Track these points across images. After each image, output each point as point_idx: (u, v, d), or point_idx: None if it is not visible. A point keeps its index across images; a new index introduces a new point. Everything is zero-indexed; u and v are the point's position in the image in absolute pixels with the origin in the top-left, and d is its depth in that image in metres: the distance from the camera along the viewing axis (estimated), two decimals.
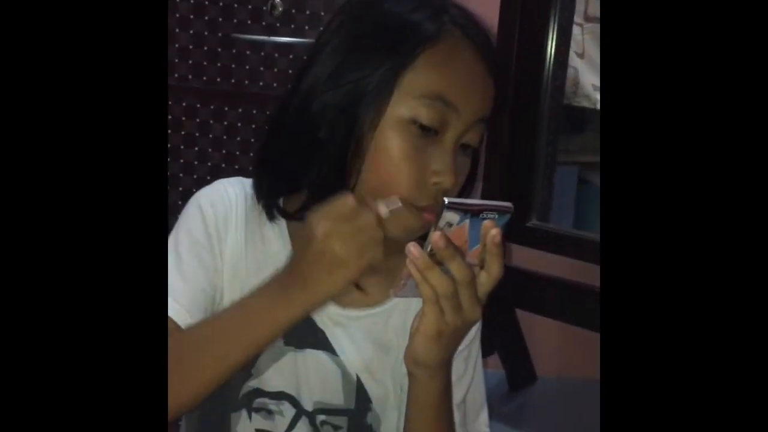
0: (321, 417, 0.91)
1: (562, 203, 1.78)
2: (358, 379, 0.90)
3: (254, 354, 0.83)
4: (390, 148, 0.80)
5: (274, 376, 0.90)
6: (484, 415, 0.97)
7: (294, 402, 0.92)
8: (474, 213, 0.73)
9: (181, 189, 1.72)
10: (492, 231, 0.74)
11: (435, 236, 0.72)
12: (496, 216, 0.74)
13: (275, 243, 0.88)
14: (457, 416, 0.90)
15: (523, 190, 1.56)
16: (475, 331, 0.93)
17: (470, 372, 0.94)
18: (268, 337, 0.79)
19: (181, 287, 0.85)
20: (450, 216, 0.73)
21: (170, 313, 0.84)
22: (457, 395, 0.90)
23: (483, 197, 1.62)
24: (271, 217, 0.88)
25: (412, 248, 0.72)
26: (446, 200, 0.72)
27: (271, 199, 0.88)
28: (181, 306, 0.84)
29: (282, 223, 0.89)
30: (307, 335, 0.87)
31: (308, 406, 0.92)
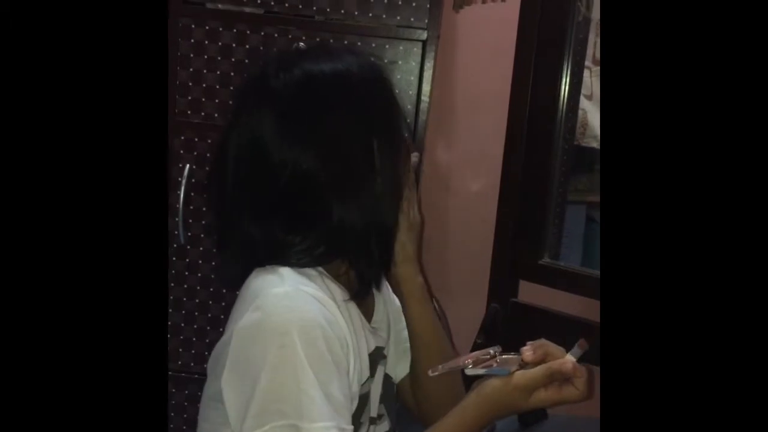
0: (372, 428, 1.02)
1: (572, 241, 1.80)
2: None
3: None
4: (404, 188, 1.01)
5: (376, 400, 1.02)
6: None
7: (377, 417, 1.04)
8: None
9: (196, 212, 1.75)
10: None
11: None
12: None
13: (338, 293, 0.95)
14: None
15: (536, 229, 1.57)
16: None
17: None
18: None
19: (337, 408, 0.86)
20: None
21: None
22: None
23: (497, 236, 1.63)
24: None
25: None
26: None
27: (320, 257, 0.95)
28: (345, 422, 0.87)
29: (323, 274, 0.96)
30: (381, 359, 1.02)
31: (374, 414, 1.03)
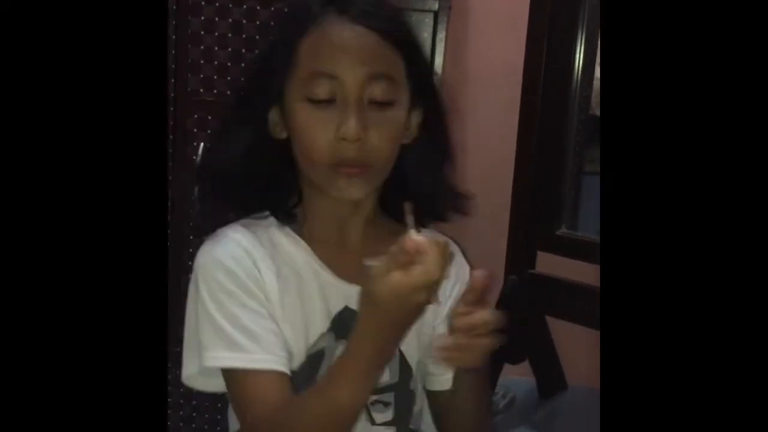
0: (373, 397, 0.96)
1: (589, 212, 1.79)
2: (400, 351, 0.97)
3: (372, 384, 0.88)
4: (297, 126, 0.93)
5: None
6: None
7: None
8: None
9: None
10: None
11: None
12: None
13: (289, 246, 0.97)
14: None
15: (553, 199, 1.56)
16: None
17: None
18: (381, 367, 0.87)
19: (251, 339, 0.90)
20: None
21: (258, 365, 0.89)
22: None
23: (513, 207, 1.62)
24: (284, 224, 0.98)
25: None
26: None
27: (276, 206, 0.98)
28: (264, 354, 0.90)
29: (286, 227, 0.98)
30: (353, 322, 0.91)
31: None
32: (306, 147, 0.93)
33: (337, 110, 0.91)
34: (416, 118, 0.99)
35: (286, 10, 1.02)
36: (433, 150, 1.01)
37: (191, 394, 1.82)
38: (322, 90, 0.91)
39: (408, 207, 0.84)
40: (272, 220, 0.99)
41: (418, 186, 1.00)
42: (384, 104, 0.93)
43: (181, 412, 1.85)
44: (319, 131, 0.92)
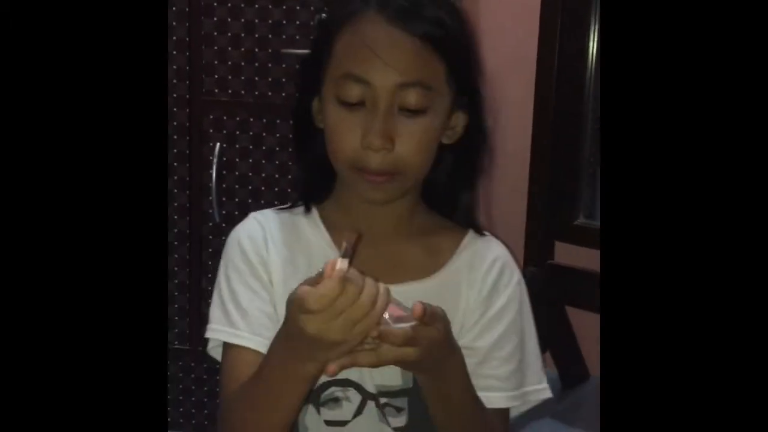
0: (383, 400, 0.95)
1: None
2: None
3: (299, 402, 0.87)
4: (327, 124, 0.92)
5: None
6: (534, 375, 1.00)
7: (359, 387, 0.96)
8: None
9: (225, 201, 1.76)
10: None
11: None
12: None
13: (309, 232, 0.98)
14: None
15: (570, 190, 1.56)
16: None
17: (515, 342, 0.98)
18: (302, 392, 0.85)
19: (242, 316, 0.93)
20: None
21: (241, 341, 0.92)
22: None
23: (530, 198, 1.61)
24: (307, 209, 0.99)
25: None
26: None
27: (310, 193, 0.99)
28: (249, 332, 0.93)
29: (314, 214, 0.99)
30: None
31: (371, 390, 0.95)
32: (333, 147, 0.92)
33: (367, 115, 0.89)
34: (461, 120, 0.97)
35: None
36: (466, 159, 0.99)
37: (191, 389, 1.83)
38: (351, 93, 0.89)
39: (348, 240, 0.79)
40: (303, 207, 1.00)
41: (448, 188, 1.00)
42: (417, 112, 0.89)
43: (181, 409, 1.86)
44: (346, 134, 0.90)
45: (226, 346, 0.95)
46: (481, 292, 0.98)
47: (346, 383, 0.95)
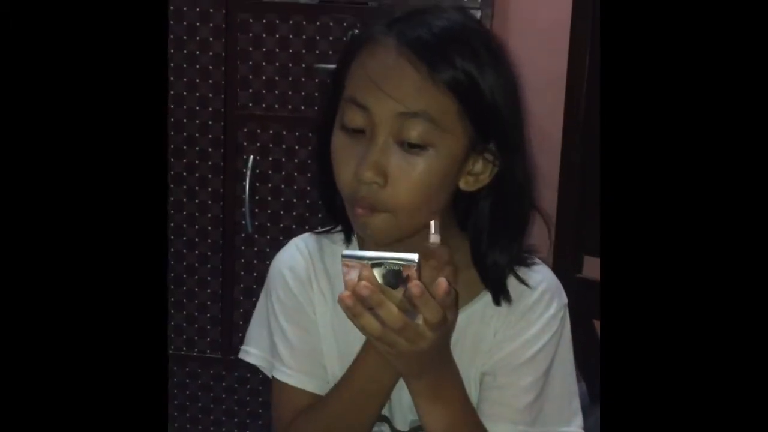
0: (413, 424, 0.96)
1: None
2: None
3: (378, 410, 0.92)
4: (332, 148, 0.88)
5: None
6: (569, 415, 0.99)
7: (390, 423, 0.98)
8: (375, 264, 0.77)
9: (257, 211, 1.79)
10: (413, 287, 0.76)
11: (359, 287, 0.76)
12: (401, 266, 0.76)
13: None
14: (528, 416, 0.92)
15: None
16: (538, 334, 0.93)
17: (538, 374, 0.94)
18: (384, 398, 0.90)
19: (291, 354, 0.96)
20: (348, 268, 0.77)
21: (292, 382, 0.95)
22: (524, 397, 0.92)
23: (559, 213, 1.62)
24: (347, 239, 0.97)
25: (345, 297, 0.77)
26: (343, 252, 0.78)
27: (344, 220, 0.93)
28: (299, 371, 0.95)
29: (354, 244, 0.97)
30: None
31: (404, 427, 0.97)
32: (334, 173, 0.87)
33: (366, 144, 0.83)
34: (487, 167, 0.87)
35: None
36: (497, 214, 0.90)
37: (222, 398, 1.86)
38: (353, 119, 0.84)
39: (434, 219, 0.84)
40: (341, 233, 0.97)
41: (476, 242, 0.90)
42: (418, 147, 0.82)
43: (211, 417, 1.89)
44: (344, 161, 0.85)
45: (276, 378, 0.98)
46: (508, 318, 0.93)
47: (380, 418, 0.96)
